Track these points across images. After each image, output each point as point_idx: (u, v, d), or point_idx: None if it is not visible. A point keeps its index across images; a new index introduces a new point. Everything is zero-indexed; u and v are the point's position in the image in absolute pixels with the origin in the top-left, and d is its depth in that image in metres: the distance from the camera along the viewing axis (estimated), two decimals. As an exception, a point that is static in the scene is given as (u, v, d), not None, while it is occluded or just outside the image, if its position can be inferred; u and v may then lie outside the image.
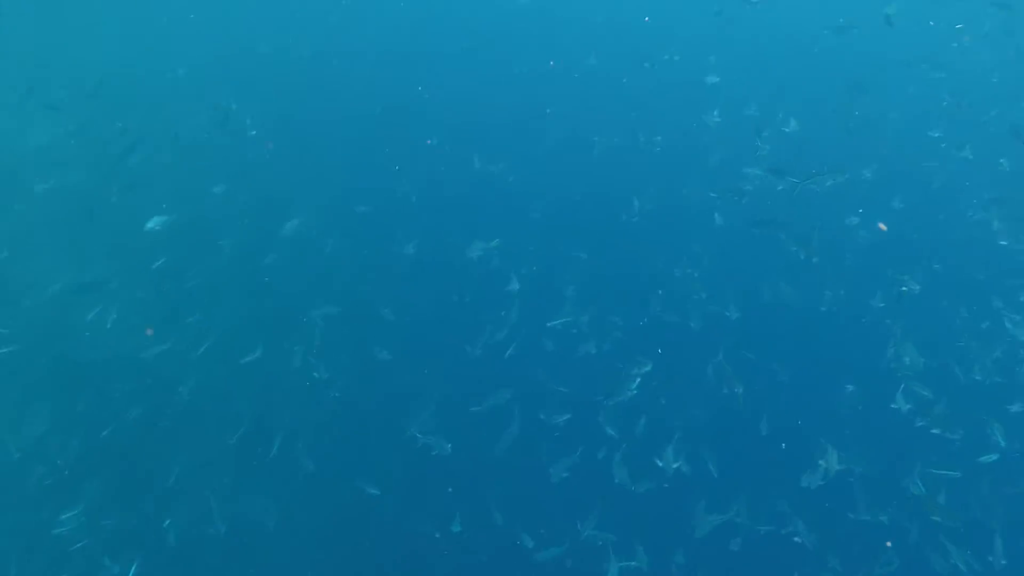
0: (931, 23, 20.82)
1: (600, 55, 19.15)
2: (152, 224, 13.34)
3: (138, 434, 11.38)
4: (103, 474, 10.96)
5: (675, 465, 10.76)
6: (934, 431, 11.10)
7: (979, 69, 19.06)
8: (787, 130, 15.79)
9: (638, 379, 11.58)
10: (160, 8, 20.24)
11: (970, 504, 10.64)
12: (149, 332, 12.61)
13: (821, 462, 10.54)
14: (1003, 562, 9.95)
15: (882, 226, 14.11)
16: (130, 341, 12.48)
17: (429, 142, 16.80)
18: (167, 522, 10.42)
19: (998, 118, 16.97)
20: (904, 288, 13.02)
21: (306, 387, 11.99)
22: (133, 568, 9.96)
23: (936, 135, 16.41)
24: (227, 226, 14.39)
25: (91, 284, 13.19)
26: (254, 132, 16.34)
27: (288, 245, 14.00)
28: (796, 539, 10.17)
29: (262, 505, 10.68)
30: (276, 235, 14.06)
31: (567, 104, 17.82)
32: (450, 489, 10.85)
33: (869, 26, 19.64)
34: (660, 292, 13.25)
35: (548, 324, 12.60)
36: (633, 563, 9.96)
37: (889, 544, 10.38)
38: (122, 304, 12.99)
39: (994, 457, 10.94)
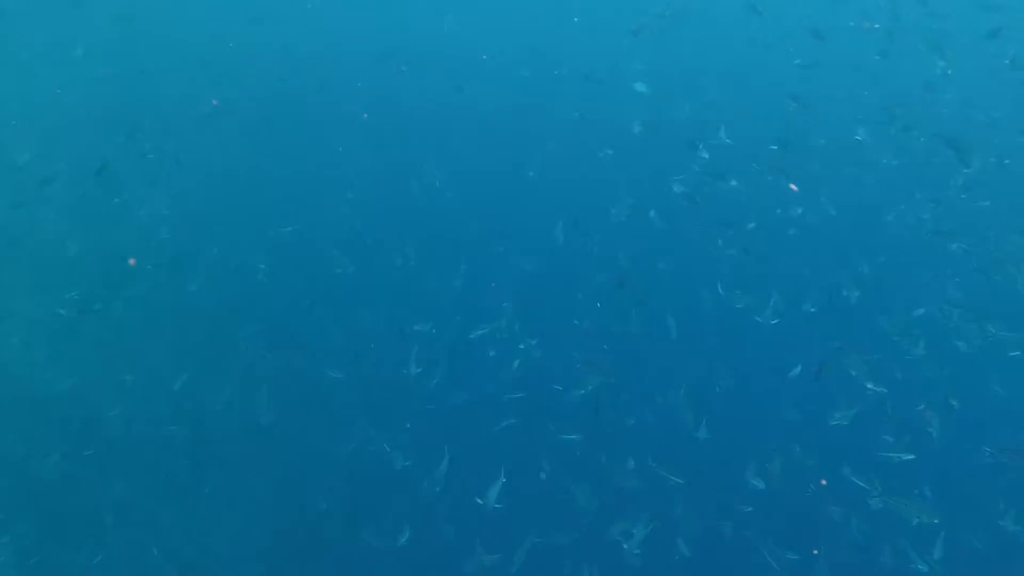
0: (852, 26, 21.38)
1: (532, 69, 19.25)
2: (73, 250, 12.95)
3: (68, 467, 10.90)
4: (33, 510, 10.50)
5: (626, 468, 10.75)
6: (876, 426, 11.25)
7: (904, 76, 19.55)
8: (721, 137, 15.96)
9: (583, 386, 11.58)
10: (77, 34, 19.65)
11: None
12: (132, 262, 12.41)
13: None
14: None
15: (793, 187, 14.39)
16: (53, 372, 12.00)
17: (365, 116, 16.64)
18: (98, 558, 9.98)
19: (924, 122, 17.39)
20: (844, 293, 13.19)
21: (244, 410, 11.61)
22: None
23: (863, 139, 16.80)
24: (154, 251, 13.95)
25: (12, 313, 12.68)
26: (178, 160, 15.87)
27: (217, 267, 13.66)
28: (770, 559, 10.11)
29: (206, 530, 10.40)
30: (205, 257, 13.72)
31: (503, 116, 17.80)
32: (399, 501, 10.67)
33: (795, 38, 20.10)
34: (601, 300, 13.26)
35: (472, 335, 12.43)
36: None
37: (823, 482, 10.47)
38: (46, 334, 12.52)
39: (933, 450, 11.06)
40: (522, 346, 12.38)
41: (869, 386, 11.43)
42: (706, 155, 15.81)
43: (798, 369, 11.95)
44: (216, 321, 12.84)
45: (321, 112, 17.67)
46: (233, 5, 21.47)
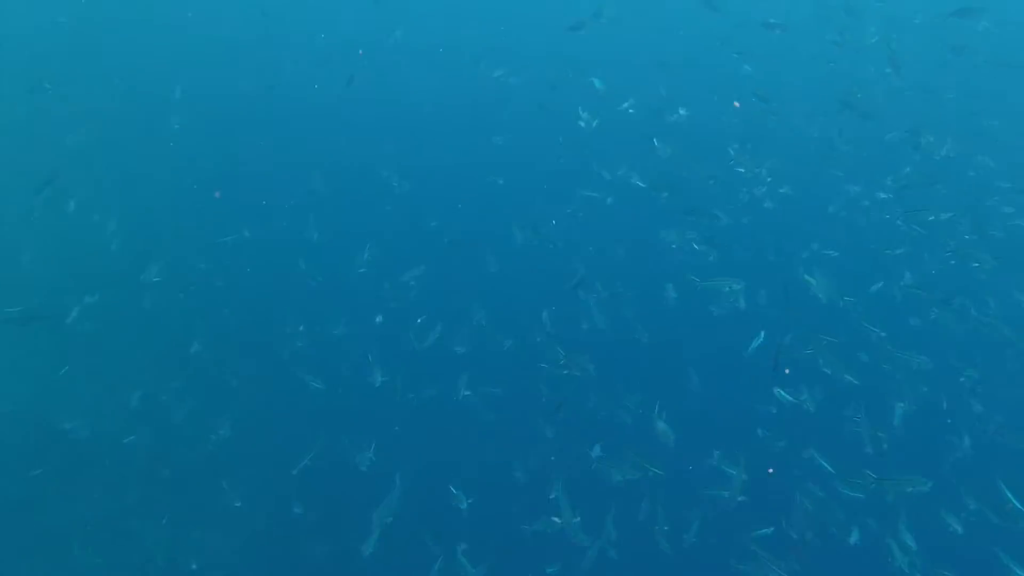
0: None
1: (489, 65, 19.19)
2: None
3: (36, 487, 10.61)
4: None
5: (596, 454, 10.61)
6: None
7: (858, 64, 19.81)
8: (679, 126, 15.98)
9: (555, 380, 11.54)
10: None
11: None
12: (217, 195, 12.96)
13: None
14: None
15: (736, 104, 14.56)
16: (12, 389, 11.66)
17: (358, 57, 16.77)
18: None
19: (878, 108, 17.60)
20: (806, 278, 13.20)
21: (201, 423, 11.37)
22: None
23: (819, 127, 16.97)
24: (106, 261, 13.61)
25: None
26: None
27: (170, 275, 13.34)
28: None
29: (172, 544, 10.17)
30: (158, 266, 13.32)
31: (466, 118, 17.72)
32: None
33: (751, 31, 20.26)
34: (561, 295, 13.15)
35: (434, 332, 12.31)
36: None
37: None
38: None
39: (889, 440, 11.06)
40: (493, 347, 12.31)
41: (827, 371, 11.44)
42: (665, 148, 15.78)
43: (760, 337, 11.79)
44: (172, 329, 12.57)
45: (278, 114, 17.44)
46: (174, 9, 21.12)
